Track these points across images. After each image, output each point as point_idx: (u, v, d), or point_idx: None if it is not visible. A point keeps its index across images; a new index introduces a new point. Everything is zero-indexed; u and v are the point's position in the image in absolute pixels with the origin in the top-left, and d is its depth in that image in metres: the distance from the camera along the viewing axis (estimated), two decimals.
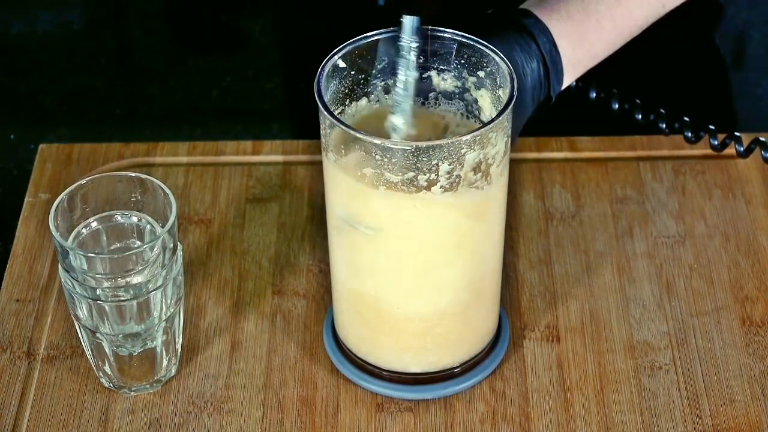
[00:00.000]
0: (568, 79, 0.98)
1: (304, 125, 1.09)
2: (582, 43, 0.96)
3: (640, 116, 1.06)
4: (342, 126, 0.86)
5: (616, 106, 1.06)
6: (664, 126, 1.06)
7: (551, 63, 0.95)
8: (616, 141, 1.13)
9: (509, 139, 0.89)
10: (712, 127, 1.06)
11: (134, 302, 0.91)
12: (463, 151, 0.85)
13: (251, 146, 1.14)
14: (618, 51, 1.00)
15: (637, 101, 1.06)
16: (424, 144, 0.85)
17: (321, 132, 0.89)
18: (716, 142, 1.07)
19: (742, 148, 1.06)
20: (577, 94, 1.05)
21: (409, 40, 0.89)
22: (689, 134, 1.06)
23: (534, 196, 1.10)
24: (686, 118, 1.06)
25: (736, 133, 1.06)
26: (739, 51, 1.28)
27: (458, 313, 0.93)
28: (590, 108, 1.07)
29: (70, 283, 0.91)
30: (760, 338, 0.99)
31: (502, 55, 0.90)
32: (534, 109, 0.97)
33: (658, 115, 1.06)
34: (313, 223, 1.08)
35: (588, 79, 1.04)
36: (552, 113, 1.02)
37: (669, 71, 1.25)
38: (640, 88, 1.10)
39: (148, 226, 0.94)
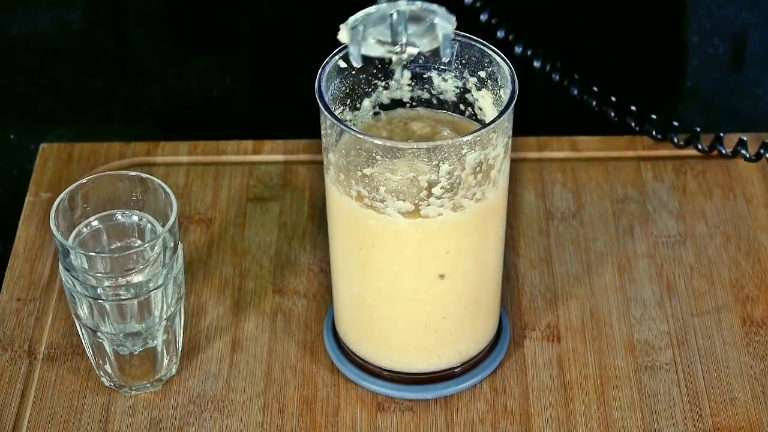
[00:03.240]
0: None
1: (304, 125, 1.09)
2: None
3: (617, 118, 1.05)
4: (343, 126, 0.86)
5: (595, 102, 1.05)
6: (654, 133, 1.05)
7: None
8: (616, 141, 1.13)
9: (510, 140, 0.89)
10: (721, 135, 1.06)
11: (135, 301, 0.91)
12: (463, 151, 0.85)
13: (252, 146, 1.14)
14: (612, 49, 1.00)
15: (634, 106, 1.05)
16: (424, 144, 0.85)
17: (321, 132, 0.89)
18: (725, 150, 1.06)
19: (748, 154, 1.05)
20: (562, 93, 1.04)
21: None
22: (700, 144, 1.05)
23: (535, 195, 1.10)
24: (675, 123, 1.06)
25: (743, 137, 1.06)
26: (739, 51, 1.28)
27: (458, 314, 0.93)
28: (591, 108, 1.07)
29: (70, 282, 0.91)
30: (760, 338, 0.99)
31: (503, 54, 0.89)
32: None
33: (649, 120, 1.05)
34: (314, 222, 1.08)
35: (571, 77, 1.03)
36: (553, 113, 1.01)
37: (668, 71, 1.25)
38: (640, 88, 1.10)
39: (149, 226, 0.94)
